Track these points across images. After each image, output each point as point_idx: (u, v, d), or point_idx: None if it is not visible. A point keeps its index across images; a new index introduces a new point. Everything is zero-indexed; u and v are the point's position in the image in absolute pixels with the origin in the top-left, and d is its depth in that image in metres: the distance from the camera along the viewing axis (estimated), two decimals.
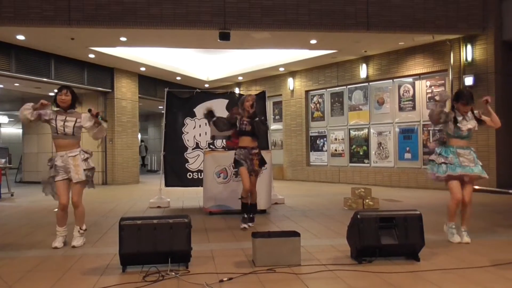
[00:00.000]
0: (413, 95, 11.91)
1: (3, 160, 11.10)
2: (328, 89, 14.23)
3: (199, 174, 8.44)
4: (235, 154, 6.07)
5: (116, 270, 3.95)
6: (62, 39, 10.43)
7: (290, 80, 15.09)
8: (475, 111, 5.19)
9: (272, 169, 8.10)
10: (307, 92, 14.79)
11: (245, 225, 5.94)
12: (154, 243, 3.88)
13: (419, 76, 11.75)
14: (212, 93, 10.00)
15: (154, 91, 15.99)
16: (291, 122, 15.21)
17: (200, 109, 8.75)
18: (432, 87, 11.50)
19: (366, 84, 13.07)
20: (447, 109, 5.07)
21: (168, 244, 3.90)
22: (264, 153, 6.31)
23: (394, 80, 12.34)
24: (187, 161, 8.62)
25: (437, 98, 5.07)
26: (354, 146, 13.48)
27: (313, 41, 10.83)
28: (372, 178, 12.59)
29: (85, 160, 4.95)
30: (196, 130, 8.73)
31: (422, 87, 11.72)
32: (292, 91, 15.09)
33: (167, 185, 8.66)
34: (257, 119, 5.98)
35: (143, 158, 24.53)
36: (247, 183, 5.89)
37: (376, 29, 9.80)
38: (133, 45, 11.66)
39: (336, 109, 14.05)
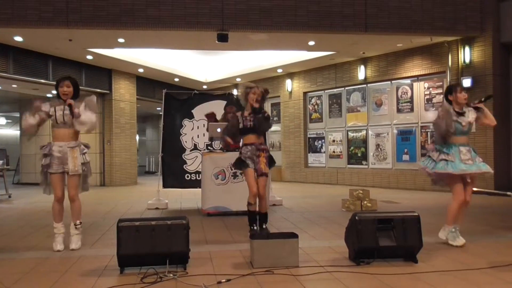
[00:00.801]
0: (411, 97, 11.93)
1: (1, 162, 11.09)
2: (326, 91, 14.24)
3: (197, 175, 8.43)
4: (240, 153, 5.38)
5: (114, 272, 3.94)
6: (60, 41, 10.42)
7: (288, 82, 15.11)
8: (471, 103, 4.99)
9: (270, 170, 8.08)
10: (305, 93, 14.80)
11: None
12: (152, 244, 3.87)
13: (417, 78, 11.76)
14: (210, 94, 10.00)
15: (152, 92, 15.99)
16: (289, 123, 15.22)
17: (198, 111, 8.78)
18: (430, 89, 11.52)
19: (364, 85, 13.09)
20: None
21: (166, 245, 3.89)
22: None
23: (392, 81, 12.36)
24: (185, 163, 8.62)
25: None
26: (352, 148, 13.48)
27: (311, 43, 10.84)
28: (370, 180, 12.60)
29: (83, 154, 4.87)
30: (194, 132, 8.73)
31: (420, 88, 11.73)
32: (290, 92, 15.11)
33: (165, 186, 8.65)
34: (261, 115, 5.29)
35: None
36: (253, 186, 5.20)
37: (374, 30, 9.82)
38: (131, 47, 11.67)
39: (334, 111, 14.06)
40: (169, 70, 14.55)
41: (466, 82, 10.35)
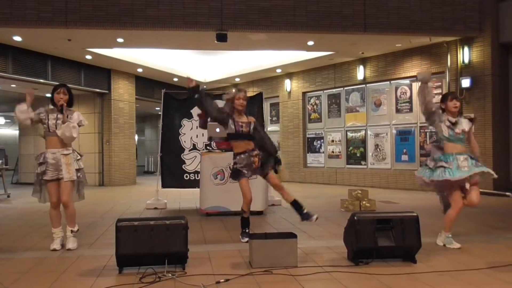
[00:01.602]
0: (410, 97, 11.93)
1: (0, 161, 11.08)
2: (325, 91, 14.25)
3: (196, 175, 8.43)
4: (234, 164, 5.25)
5: (112, 272, 3.94)
6: (59, 40, 10.41)
7: (287, 82, 15.10)
8: (466, 115, 5.03)
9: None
10: (304, 93, 14.81)
11: (246, 239, 5.08)
12: (151, 244, 3.87)
13: (416, 78, 11.75)
14: (210, 94, 9.98)
15: (151, 92, 15.98)
16: (288, 123, 15.22)
17: (197, 111, 8.75)
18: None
19: (363, 85, 13.09)
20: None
21: (165, 245, 3.89)
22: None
23: (391, 81, 12.36)
24: (184, 163, 8.61)
25: (419, 78, 4.83)
26: (351, 148, 13.49)
27: (310, 43, 10.84)
28: (369, 180, 12.61)
29: (77, 160, 4.91)
30: (193, 132, 8.72)
31: None
32: (289, 92, 15.10)
33: (164, 186, 8.64)
34: (254, 123, 5.29)
35: None
36: (248, 193, 5.17)
37: (373, 30, 9.82)
38: (130, 46, 11.66)
39: (333, 111, 14.07)
40: (168, 70, 14.55)
41: (465, 83, 10.36)
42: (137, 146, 20.87)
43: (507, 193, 9.54)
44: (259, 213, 7.28)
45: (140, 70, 14.24)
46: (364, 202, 7.82)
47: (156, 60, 13.87)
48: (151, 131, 25.05)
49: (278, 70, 14.71)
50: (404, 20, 9.81)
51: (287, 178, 15.04)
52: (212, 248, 4.91)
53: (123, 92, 14.54)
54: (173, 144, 8.63)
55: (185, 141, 8.69)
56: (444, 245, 4.87)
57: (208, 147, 8.54)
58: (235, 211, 6.93)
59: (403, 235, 4.10)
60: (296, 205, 5.34)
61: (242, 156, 5.24)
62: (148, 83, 15.75)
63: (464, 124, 4.84)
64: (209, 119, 6.94)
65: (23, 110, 4.75)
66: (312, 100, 14.73)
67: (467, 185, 4.73)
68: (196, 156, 8.52)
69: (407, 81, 12.02)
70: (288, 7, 9.46)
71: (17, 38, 10.24)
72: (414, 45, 11.31)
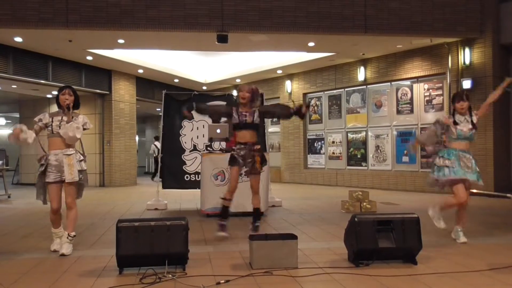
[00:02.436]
0: (411, 98, 11.92)
1: (0, 162, 11.09)
2: (326, 92, 14.25)
3: (196, 176, 8.42)
4: (233, 150, 5.47)
5: (113, 272, 3.94)
6: (59, 41, 10.42)
7: (288, 83, 15.10)
8: (474, 112, 5.26)
9: (269, 171, 8.09)
10: (304, 94, 14.80)
11: (223, 234, 5.34)
12: (151, 245, 3.87)
13: (417, 79, 11.76)
14: (210, 95, 10.00)
15: (152, 93, 15.99)
16: (288, 124, 15.20)
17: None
18: (430, 90, 11.52)
19: (364, 87, 13.09)
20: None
21: (165, 246, 3.89)
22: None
23: (392, 83, 12.36)
24: (185, 163, 8.61)
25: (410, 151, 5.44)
26: (351, 149, 13.48)
27: (311, 44, 10.84)
28: (370, 181, 12.60)
29: (80, 161, 4.85)
30: (193, 132, 8.72)
31: (420, 90, 11.73)
32: (290, 93, 15.10)
33: (164, 187, 8.64)
34: (258, 110, 5.52)
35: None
36: (234, 184, 5.38)
37: (374, 32, 9.82)
38: (130, 47, 11.66)
39: (333, 112, 14.06)
40: (169, 71, 14.55)
41: (466, 84, 10.35)
42: (138, 147, 20.79)
43: (508, 195, 9.53)
44: (261, 213, 7.26)
45: (140, 71, 14.25)
46: (364, 204, 7.81)
47: (157, 61, 13.88)
48: (151, 132, 25.06)
49: (279, 71, 14.71)
50: (405, 21, 9.80)
51: (287, 179, 15.06)
52: (212, 249, 4.91)
53: (123, 93, 14.55)
54: (173, 145, 8.63)
55: (185, 142, 8.69)
56: (455, 239, 5.13)
57: (208, 148, 8.54)
58: (236, 212, 6.93)
59: (403, 237, 4.09)
60: (257, 214, 5.66)
61: (243, 146, 5.43)
62: (149, 84, 15.76)
63: (469, 123, 5.12)
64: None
65: (24, 139, 4.63)
66: (312, 101, 14.73)
67: (467, 183, 5.02)
68: (196, 157, 8.52)
69: (408, 82, 12.01)
70: (289, 8, 9.46)
71: (18, 39, 10.25)
72: (415, 46, 11.30)
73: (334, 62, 13.25)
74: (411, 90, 11.94)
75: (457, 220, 5.20)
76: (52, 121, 4.73)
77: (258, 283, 3.58)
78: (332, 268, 4.01)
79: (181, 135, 8.70)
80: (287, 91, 15.16)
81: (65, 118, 4.73)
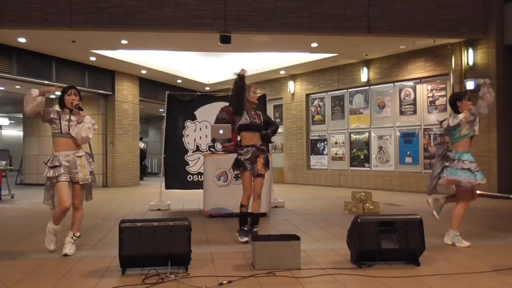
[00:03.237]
0: (414, 99, 11.90)
1: (4, 162, 11.11)
2: (328, 93, 14.23)
3: (199, 176, 8.44)
4: (239, 155, 5.27)
5: (115, 273, 3.95)
6: (63, 42, 10.45)
7: (290, 84, 15.10)
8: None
9: (272, 172, 8.09)
10: (307, 95, 14.80)
11: (246, 239, 5.18)
12: (154, 245, 3.88)
13: (420, 80, 11.74)
14: (213, 96, 10.00)
15: (155, 94, 16.02)
16: (291, 125, 15.21)
17: (200, 112, 8.79)
18: (434, 91, 11.49)
19: (367, 87, 13.07)
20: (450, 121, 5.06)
21: (168, 246, 3.90)
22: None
23: (395, 84, 12.33)
24: (188, 164, 8.62)
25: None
26: (354, 150, 13.46)
27: (314, 45, 10.83)
28: (373, 182, 12.58)
29: (89, 163, 4.83)
30: (196, 133, 8.74)
31: (423, 91, 11.71)
32: (293, 94, 15.10)
33: (167, 187, 8.66)
34: (262, 115, 5.39)
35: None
36: (249, 189, 5.23)
37: (377, 32, 9.81)
38: (134, 48, 11.68)
39: (336, 113, 14.05)
40: (172, 72, 14.57)
41: (470, 85, 10.30)
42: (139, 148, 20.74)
43: (511, 196, 9.50)
44: (262, 215, 7.25)
45: (144, 71, 14.28)
46: (367, 204, 7.80)
47: (160, 61, 13.90)
48: (154, 132, 25.10)
49: (282, 72, 14.71)
50: (408, 22, 9.78)
51: (290, 180, 15.05)
52: (215, 249, 4.91)
53: (127, 94, 14.58)
54: (176, 146, 8.65)
55: (188, 143, 8.70)
56: (453, 243, 4.96)
57: (211, 149, 8.55)
58: (238, 212, 6.94)
59: (406, 238, 4.09)
60: (256, 219, 5.37)
61: (250, 149, 5.25)
62: (152, 85, 15.78)
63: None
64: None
65: (31, 99, 4.43)
66: (315, 102, 14.72)
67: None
68: (199, 158, 8.53)
69: (411, 83, 11.99)
70: (292, 9, 9.46)
71: (22, 40, 10.29)
72: (418, 47, 11.28)
73: (337, 62, 13.24)
74: (414, 91, 11.92)
75: (456, 224, 5.01)
76: (60, 120, 4.65)
77: (261, 284, 3.58)
78: (335, 269, 4.01)
79: (184, 136, 8.71)
80: (290, 92, 15.16)
81: (73, 118, 4.69)
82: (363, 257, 4.10)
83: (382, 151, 12.67)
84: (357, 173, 13.18)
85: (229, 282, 3.60)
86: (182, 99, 9.09)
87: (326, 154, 14.30)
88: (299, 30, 9.58)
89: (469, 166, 4.88)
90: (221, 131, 7.33)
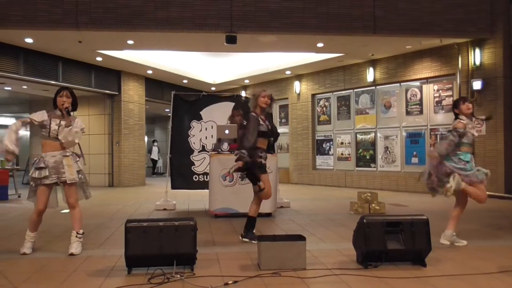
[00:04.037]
0: (421, 99, 11.85)
1: (11, 162, 11.15)
2: (334, 93, 14.21)
3: (205, 176, 8.44)
4: (259, 157, 5.09)
5: (121, 272, 3.96)
6: (69, 42, 10.50)
7: (296, 84, 15.09)
8: (478, 117, 5.25)
9: (278, 172, 8.08)
10: (313, 95, 14.77)
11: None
12: (159, 245, 3.88)
13: (427, 80, 11.69)
14: (218, 96, 10.01)
15: (161, 94, 16.06)
16: (297, 125, 15.19)
17: (206, 112, 8.80)
18: (440, 91, 11.44)
19: (373, 87, 13.03)
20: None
21: (174, 246, 3.90)
22: (270, 157, 5.95)
23: (401, 84, 12.29)
24: (193, 164, 8.63)
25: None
26: (360, 150, 13.43)
27: (320, 45, 10.81)
28: (379, 183, 12.54)
29: (76, 161, 4.81)
30: (202, 133, 8.75)
31: (430, 91, 11.66)
32: (299, 94, 15.08)
33: (173, 187, 8.67)
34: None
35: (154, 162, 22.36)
36: (271, 190, 5.26)
37: (383, 32, 9.78)
38: (140, 48, 11.72)
39: (342, 113, 14.02)
40: (178, 72, 14.60)
41: (476, 85, 10.26)
42: (147, 147, 20.94)
43: None
44: (268, 215, 7.26)
45: (150, 72, 14.32)
46: (373, 205, 7.78)
47: (166, 62, 13.93)
48: (160, 132, 25.15)
49: (288, 72, 14.70)
50: (414, 22, 9.74)
51: (295, 180, 15.03)
52: (220, 249, 4.91)
53: (133, 94, 14.62)
54: (182, 146, 8.66)
55: (194, 143, 8.72)
56: (452, 243, 5.01)
57: (217, 149, 8.54)
58: (244, 213, 6.93)
59: (412, 238, 4.07)
60: (253, 222, 5.34)
61: (264, 153, 5.22)
62: (158, 85, 15.83)
63: (473, 127, 5.11)
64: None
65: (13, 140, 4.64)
66: (321, 102, 14.69)
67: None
68: (205, 158, 8.53)
69: (417, 83, 11.94)
70: (298, 9, 9.45)
71: (29, 40, 10.35)
72: (425, 47, 11.23)
73: (343, 62, 13.21)
74: (421, 91, 11.87)
75: (454, 224, 5.07)
76: (51, 124, 4.67)
77: (266, 284, 3.58)
78: (341, 269, 4.00)
79: (189, 136, 8.72)
80: (295, 92, 15.15)
81: (63, 122, 4.69)
82: (369, 258, 4.08)
83: (388, 152, 12.63)
84: (363, 173, 13.15)
85: (235, 282, 3.60)
86: (188, 99, 9.10)
87: (332, 154, 14.28)
88: (304, 30, 9.57)
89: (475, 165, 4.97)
90: (226, 131, 7.33)
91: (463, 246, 4.94)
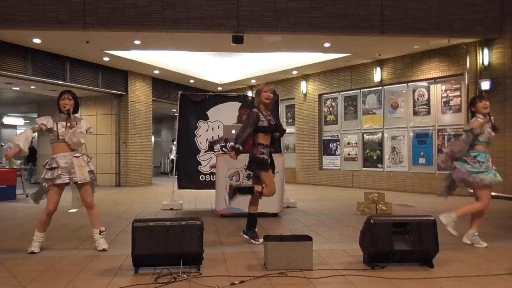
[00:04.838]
0: (428, 100, 11.79)
1: (19, 162, 11.25)
2: (341, 93, 14.17)
3: (211, 176, 8.45)
4: (262, 154, 5.06)
5: (128, 272, 3.97)
6: (77, 43, 10.55)
7: (303, 84, 15.07)
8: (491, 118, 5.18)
9: (284, 172, 8.07)
10: (320, 95, 14.75)
11: (261, 240, 4.97)
12: (166, 245, 3.89)
13: (434, 80, 11.63)
14: (225, 96, 10.01)
15: (168, 94, 16.10)
16: (304, 125, 15.17)
17: (213, 112, 8.81)
18: (448, 92, 11.38)
19: (380, 88, 12.99)
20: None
21: (180, 246, 3.91)
22: (276, 157, 5.96)
23: (409, 84, 12.23)
24: (200, 164, 8.65)
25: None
26: (367, 151, 13.38)
27: (327, 44, 10.79)
28: (386, 183, 12.49)
29: (87, 162, 4.94)
30: (209, 133, 8.75)
31: (437, 91, 11.60)
32: (305, 94, 15.06)
33: (179, 187, 8.69)
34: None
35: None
36: (275, 186, 5.22)
37: (390, 32, 9.73)
38: (147, 48, 11.75)
39: (349, 113, 13.98)
40: (185, 72, 14.64)
41: (485, 85, 10.19)
42: (153, 147, 20.90)
43: None
44: (275, 215, 7.26)
45: (156, 72, 14.36)
46: (380, 205, 7.75)
47: (173, 62, 13.97)
48: (167, 132, 25.22)
49: (294, 72, 14.68)
50: (422, 22, 9.69)
51: (302, 180, 15.01)
52: (227, 249, 4.91)
53: (140, 94, 14.68)
54: (189, 146, 8.68)
55: (201, 143, 8.73)
56: (472, 243, 4.98)
57: (223, 149, 8.56)
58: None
59: (420, 239, 4.05)
60: (253, 220, 5.32)
61: (267, 149, 5.18)
62: (165, 85, 15.87)
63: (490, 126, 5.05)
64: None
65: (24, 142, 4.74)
66: (328, 102, 14.67)
67: None
68: (211, 158, 8.54)
69: (425, 84, 11.88)
70: (304, 8, 9.43)
71: (37, 40, 10.41)
72: (432, 47, 11.17)
73: (350, 62, 13.17)
74: (428, 91, 11.81)
75: (476, 224, 5.04)
76: (57, 127, 4.79)
77: (273, 284, 3.57)
78: (347, 270, 3.99)
79: (196, 136, 8.74)
80: (302, 92, 15.13)
81: (68, 124, 4.80)
82: (376, 258, 4.07)
83: (395, 152, 12.57)
84: (370, 173, 13.10)
85: (241, 282, 3.60)
86: (195, 99, 9.11)
87: (339, 155, 14.24)
88: (311, 30, 9.55)
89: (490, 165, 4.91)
90: (233, 131, 7.33)
91: (471, 248, 4.90)
